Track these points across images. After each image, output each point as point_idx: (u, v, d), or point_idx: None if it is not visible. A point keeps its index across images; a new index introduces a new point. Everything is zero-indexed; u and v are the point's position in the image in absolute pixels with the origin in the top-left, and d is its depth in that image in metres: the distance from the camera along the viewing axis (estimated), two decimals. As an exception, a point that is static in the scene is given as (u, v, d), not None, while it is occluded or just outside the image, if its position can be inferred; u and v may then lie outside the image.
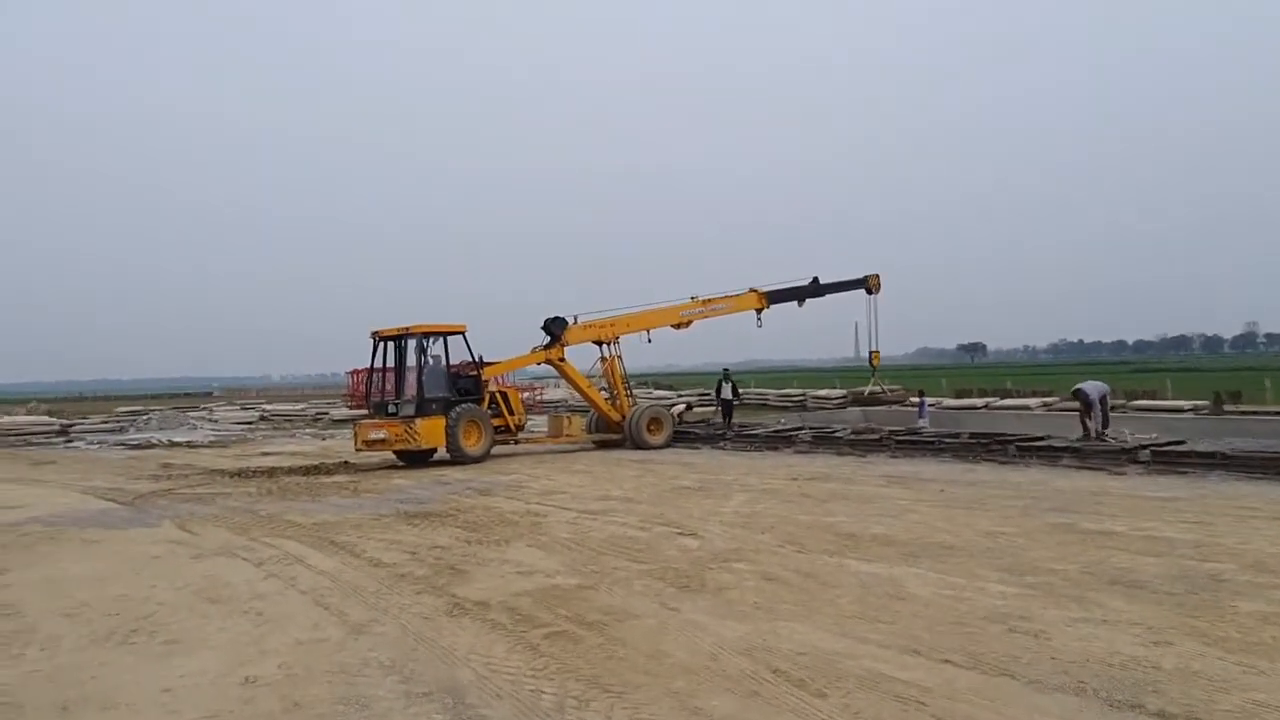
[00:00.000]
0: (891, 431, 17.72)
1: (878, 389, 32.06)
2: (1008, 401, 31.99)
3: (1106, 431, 15.53)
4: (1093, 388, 16.06)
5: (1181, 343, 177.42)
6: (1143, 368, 75.51)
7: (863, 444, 17.06)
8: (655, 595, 6.75)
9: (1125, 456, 13.39)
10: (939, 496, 11.32)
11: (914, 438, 16.84)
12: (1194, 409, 25.36)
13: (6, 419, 33.89)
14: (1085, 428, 15.57)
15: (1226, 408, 25.21)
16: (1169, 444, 13.85)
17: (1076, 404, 16.61)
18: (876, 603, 6.38)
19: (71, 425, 33.58)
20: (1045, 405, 30.29)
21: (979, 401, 32.50)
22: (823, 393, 38.64)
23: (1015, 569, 7.22)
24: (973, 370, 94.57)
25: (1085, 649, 5.17)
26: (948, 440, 15.98)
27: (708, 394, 41.98)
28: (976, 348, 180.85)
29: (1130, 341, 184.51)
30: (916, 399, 28.43)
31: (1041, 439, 15.34)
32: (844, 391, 37.40)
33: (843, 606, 6.31)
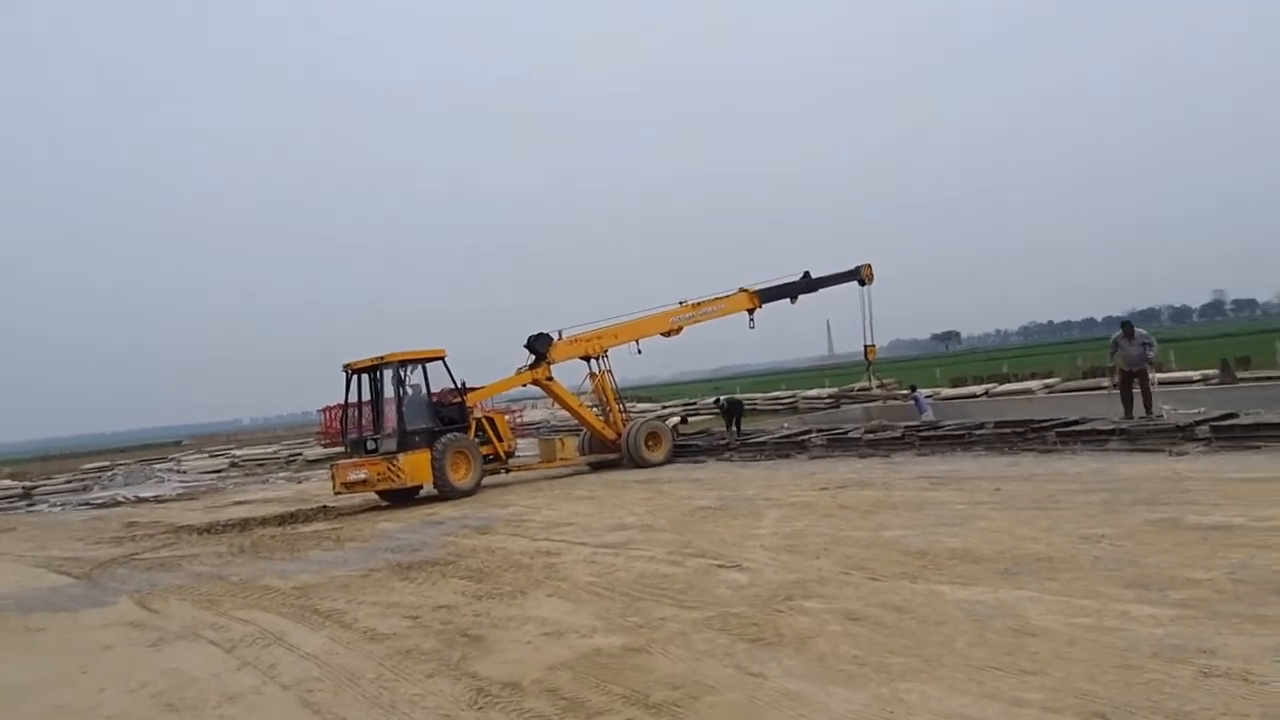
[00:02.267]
0: (911, 428, 16.55)
1: (868, 385, 31.05)
2: (1007, 386, 31.04)
3: (1153, 410, 14.36)
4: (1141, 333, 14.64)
5: (1150, 316, 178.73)
6: (1122, 343, 74.50)
7: (884, 444, 15.86)
8: (726, 655, 5.45)
9: (1181, 435, 12.29)
10: (997, 496, 10.11)
11: (938, 433, 15.66)
12: (1203, 378, 24.51)
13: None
14: (1125, 405, 14.40)
15: (1239, 375, 24.36)
16: (1222, 418, 12.77)
17: (1114, 355, 14.66)
18: (1003, 643, 5.13)
19: (35, 487, 32.03)
20: (1047, 388, 29.42)
21: (978, 389, 31.52)
22: (813, 393, 37.62)
23: (1147, 582, 6.00)
24: (951, 359, 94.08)
25: (1326, 696, 3.95)
26: (977, 432, 14.82)
27: (692, 403, 40.99)
28: (951, 336, 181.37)
29: (1099, 319, 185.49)
30: (908, 392, 27.30)
31: (1078, 422, 14.22)
32: (835, 390, 36.43)
33: (965, 652, 5.05)
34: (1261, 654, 4.52)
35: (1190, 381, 23.87)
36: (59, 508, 26.03)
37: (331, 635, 7.03)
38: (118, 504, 25.11)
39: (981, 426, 15.26)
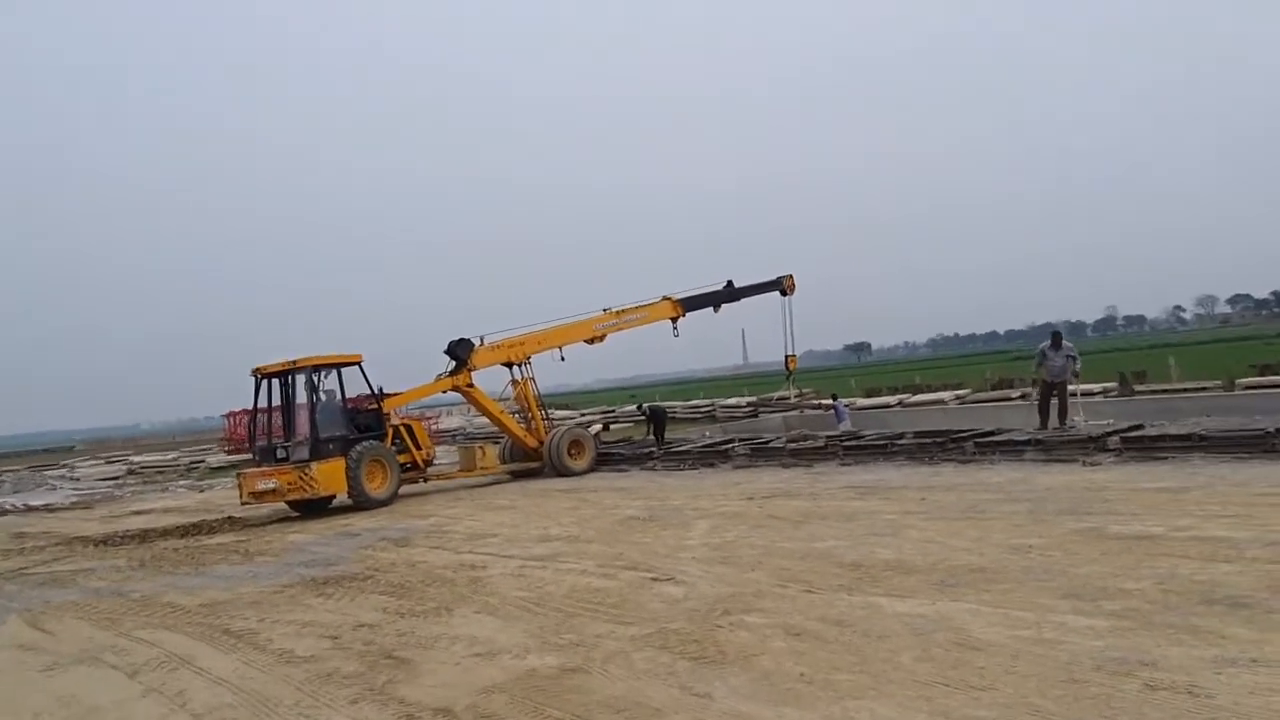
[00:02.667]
0: (833, 438, 16.70)
1: (787, 394, 31.45)
2: (921, 397, 31.77)
3: (1069, 420, 14.74)
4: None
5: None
6: (1024, 355, 77.48)
7: (807, 453, 15.95)
8: (668, 674, 5.28)
9: (1094, 445, 12.65)
10: (923, 506, 10.21)
11: (860, 442, 15.82)
12: (1103, 391, 25.51)
13: None
14: (1042, 416, 14.75)
15: (1136, 388, 25.45)
16: (1129, 429, 13.21)
17: (1040, 367, 14.89)
18: (947, 658, 5.08)
19: (-94, 497, 29.85)
20: (959, 398, 30.21)
21: (892, 399, 32.21)
22: (731, 401, 37.90)
23: (1079, 593, 6.06)
24: (863, 369, 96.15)
25: (1269, 710, 3.99)
26: (899, 442, 15.01)
27: (610, 410, 40.91)
28: (862, 347, 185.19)
29: (1002, 332, 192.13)
30: (830, 401, 27.71)
31: (995, 433, 14.56)
32: (753, 399, 36.76)
33: (910, 667, 4.99)
34: (1201, 666, 4.56)
35: (1091, 394, 24.80)
36: (-63, 518, 24.36)
37: (244, 658, 6.60)
38: (5, 513, 23.61)
39: (902, 436, 15.48)
